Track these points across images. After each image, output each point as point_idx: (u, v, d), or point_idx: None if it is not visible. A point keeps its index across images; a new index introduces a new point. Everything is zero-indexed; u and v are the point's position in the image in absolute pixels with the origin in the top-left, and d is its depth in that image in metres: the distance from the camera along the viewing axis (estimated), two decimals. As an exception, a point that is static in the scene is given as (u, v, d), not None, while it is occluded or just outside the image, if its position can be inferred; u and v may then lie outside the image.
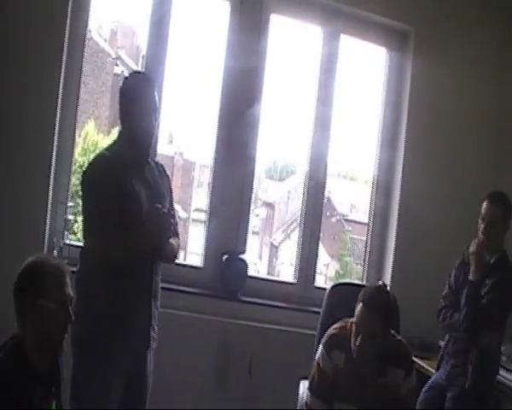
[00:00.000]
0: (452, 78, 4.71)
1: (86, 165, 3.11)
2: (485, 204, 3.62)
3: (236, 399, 4.17)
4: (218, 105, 4.49)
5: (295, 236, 4.87)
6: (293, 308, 4.42)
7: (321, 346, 3.15)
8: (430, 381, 3.73)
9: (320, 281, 5.15)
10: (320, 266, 5.51)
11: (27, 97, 3.99)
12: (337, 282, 3.80)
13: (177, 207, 6.38)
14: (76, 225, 4.37)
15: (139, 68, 4.42)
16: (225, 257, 4.34)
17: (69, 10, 4.08)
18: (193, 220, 7.01)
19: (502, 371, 3.83)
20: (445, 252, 4.13)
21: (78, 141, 5.39)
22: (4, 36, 3.94)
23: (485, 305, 3.46)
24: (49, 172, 4.06)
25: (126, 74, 3.28)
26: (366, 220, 4.92)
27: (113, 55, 7.38)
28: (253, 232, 6.52)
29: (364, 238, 4.91)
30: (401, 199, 4.66)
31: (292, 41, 4.87)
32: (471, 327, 3.47)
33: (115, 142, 3.14)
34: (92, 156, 3.18)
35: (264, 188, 7.29)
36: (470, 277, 3.56)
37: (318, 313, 3.79)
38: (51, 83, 4.06)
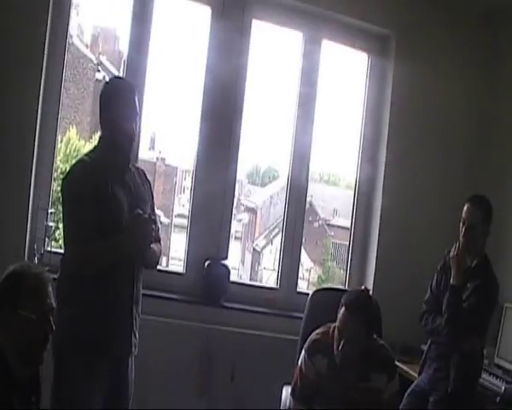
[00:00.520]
0: (434, 81, 4.73)
1: (66, 171, 3.09)
2: (466, 207, 3.63)
3: (219, 405, 4.17)
4: (200, 110, 4.48)
5: (278, 241, 4.87)
6: (275, 314, 4.41)
7: (303, 351, 3.15)
8: (413, 385, 3.72)
9: (303, 286, 5.16)
10: (302, 271, 5.52)
11: (7, 102, 3.95)
12: (319, 287, 3.80)
13: (159, 213, 6.36)
14: (58, 232, 4.33)
15: (121, 74, 4.39)
16: (207, 263, 4.33)
17: (49, 15, 4.05)
18: (175, 226, 6.99)
19: (484, 375, 3.85)
20: (427, 256, 4.14)
21: (60, 147, 5.36)
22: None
23: (466, 309, 3.47)
24: (30, 178, 4.02)
25: (107, 80, 3.27)
26: (348, 225, 4.92)
27: (95, 61, 7.35)
28: (236, 238, 6.51)
29: (347, 243, 4.91)
30: (383, 203, 4.67)
31: (273, 46, 4.87)
32: (453, 331, 3.47)
33: (95, 147, 3.12)
34: (72, 163, 3.16)
35: (246, 193, 7.28)
36: (451, 281, 3.56)
37: (301, 318, 3.79)
38: (32, 88, 4.02)
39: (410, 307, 3.89)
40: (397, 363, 3.89)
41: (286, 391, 3.47)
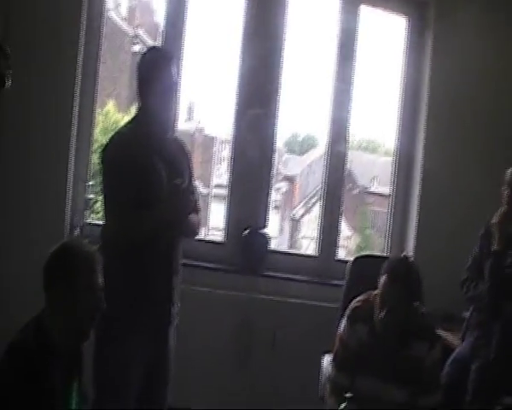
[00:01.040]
0: (476, 46, 4.60)
1: (105, 144, 3.11)
2: (509, 172, 3.56)
3: (259, 374, 4.19)
4: (237, 80, 4.45)
5: (316, 209, 4.85)
6: (315, 282, 4.41)
7: (344, 319, 3.13)
8: (454, 353, 3.70)
9: (342, 254, 5.14)
10: (341, 240, 5.50)
11: (45, 77, 3.99)
12: (359, 254, 3.77)
13: (197, 183, 6.38)
14: (97, 204, 4.38)
15: (158, 45, 4.39)
16: (246, 232, 4.33)
17: (86, -10, 4.07)
18: (214, 196, 7.02)
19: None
20: (468, 222, 4.09)
21: (99, 120, 5.40)
22: (21, 17, 3.93)
23: (508, 275, 3.42)
24: (69, 151, 4.07)
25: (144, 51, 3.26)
26: (387, 192, 4.87)
27: (132, 34, 7.37)
28: (275, 207, 6.51)
29: (385, 210, 4.86)
30: (423, 169, 4.59)
31: (311, 12, 4.82)
32: (495, 298, 3.43)
33: (134, 119, 3.11)
34: (111, 135, 3.18)
35: (285, 162, 7.26)
36: (494, 247, 3.52)
37: (340, 286, 3.78)
38: (69, 63, 4.06)
39: (452, 274, 3.86)
40: (438, 331, 3.90)
41: (326, 359, 3.47)
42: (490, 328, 3.51)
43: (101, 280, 2.39)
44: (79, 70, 4.12)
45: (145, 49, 3.19)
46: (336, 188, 4.64)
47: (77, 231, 4.03)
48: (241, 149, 4.46)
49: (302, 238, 6.57)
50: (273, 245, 4.66)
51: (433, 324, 3.15)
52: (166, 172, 3.02)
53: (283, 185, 7.43)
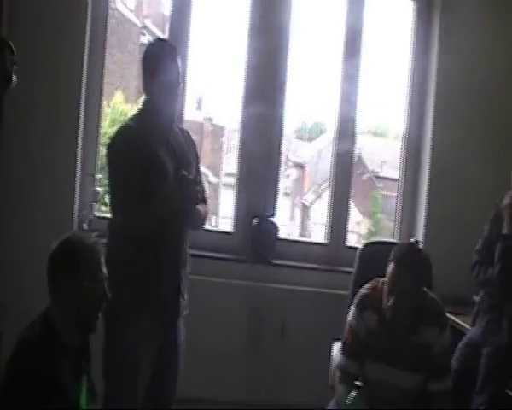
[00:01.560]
0: (485, 26, 4.56)
1: (110, 137, 3.12)
2: None
3: (269, 363, 4.20)
4: (244, 68, 4.45)
5: (327, 196, 4.82)
6: (324, 269, 4.40)
7: (353, 307, 3.12)
8: (465, 337, 3.69)
9: (352, 239, 5.12)
10: (352, 225, 5.48)
11: (52, 69, 4.01)
12: (368, 241, 3.76)
13: (207, 172, 6.38)
14: (106, 197, 4.39)
15: (165, 36, 4.39)
16: (255, 221, 4.33)
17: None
18: (224, 185, 7.01)
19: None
20: (478, 205, 4.06)
21: (107, 112, 5.41)
22: (26, 11, 3.92)
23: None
24: (77, 144, 4.08)
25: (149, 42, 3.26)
26: (397, 177, 4.85)
27: (139, 25, 7.34)
28: (285, 194, 6.50)
29: (396, 195, 4.85)
30: (432, 152, 4.56)
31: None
32: (505, 282, 3.41)
33: (139, 111, 3.13)
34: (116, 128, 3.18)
35: (294, 149, 7.24)
36: (504, 230, 3.49)
37: (351, 272, 3.77)
38: (75, 55, 4.06)
39: (462, 257, 3.84)
40: (449, 315, 3.86)
41: (336, 347, 3.47)
42: (501, 312, 3.49)
43: (104, 271, 2.41)
44: (85, 62, 4.12)
45: (150, 41, 3.19)
46: (345, 174, 4.62)
47: (85, 225, 4.04)
48: (248, 137, 4.46)
49: (314, 224, 6.55)
50: (284, 232, 4.66)
51: (442, 309, 3.12)
52: (173, 164, 3.02)
53: (293, 172, 7.41)
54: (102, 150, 4.28)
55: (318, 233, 5.58)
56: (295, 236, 5.22)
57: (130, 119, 3.12)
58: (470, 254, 3.73)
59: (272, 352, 4.21)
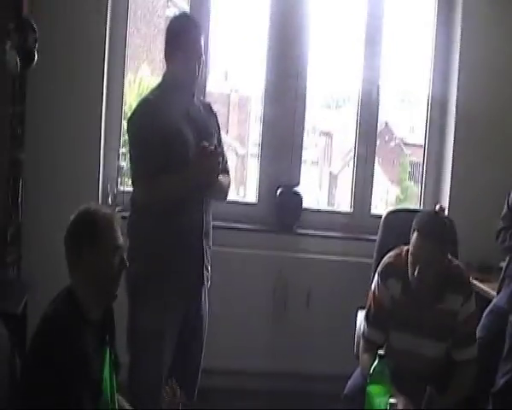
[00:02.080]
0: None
1: (131, 111, 3.13)
2: None
3: (294, 332, 4.21)
4: (268, 36, 4.45)
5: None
6: (349, 238, 4.39)
7: (376, 275, 3.11)
8: (491, 304, 3.65)
9: (381, 207, 5.08)
10: (380, 192, 5.45)
11: (74, 46, 4.03)
12: (392, 208, 3.72)
13: (235, 143, 6.37)
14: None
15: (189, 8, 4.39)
16: (279, 191, 4.33)
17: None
18: (251, 156, 6.97)
19: None
20: (504, 170, 4.01)
21: (133, 87, 5.41)
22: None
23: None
24: (100, 119, 4.11)
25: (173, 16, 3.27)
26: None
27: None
28: (313, 162, 6.46)
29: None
30: (457, 117, 4.48)
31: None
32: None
33: (160, 84, 3.14)
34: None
35: (321, 117, 7.15)
36: (529, 195, 3.45)
37: (375, 241, 3.75)
38: (97, 30, 4.08)
39: (488, 224, 3.79)
40: (474, 282, 3.85)
41: (360, 316, 3.47)
42: (527, 277, 3.45)
43: (121, 240, 2.41)
44: (107, 37, 4.14)
45: (174, 15, 3.20)
46: (369, 141, 4.59)
47: (110, 199, 4.08)
48: (272, 107, 4.45)
49: (341, 193, 6.51)
50: (312, 201, 4.66)
51: (467, 276, 3.10)
52: (194, 135, 3.03)
53: (321, 141, 7.34)
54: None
55: (346, 202, 5.53)
56: (323, 205, 5.16)
57: (151, 92, 3.13)
58: (496, 220, 3.68)
59: (298, 321, 4.22)
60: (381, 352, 2.66)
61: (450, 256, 3.03)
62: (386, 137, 6.43)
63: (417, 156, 6.12)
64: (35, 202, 3.87)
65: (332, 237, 4.38)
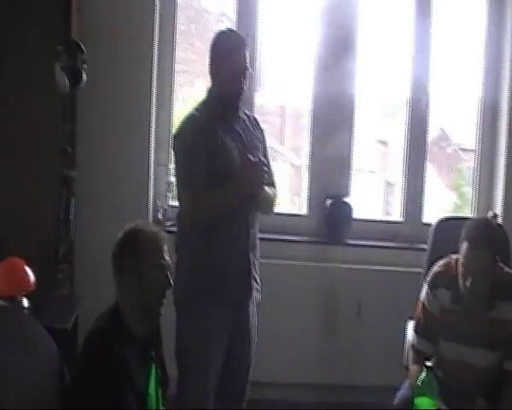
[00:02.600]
0: None
1: (177, 128, 3.16)
2: None
3: (346, 343, 4.18)
4: (316, 50, 4.45)
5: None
6: (401, 247, 4.32)
7: (425, 285, 3.06)
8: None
9: (439, 214, 4.99)
10: (438, 200, 5.35)
11: (122, 62, 4.09)
12: (443, 217, 3.65)
13: (290, 154, 6.36)
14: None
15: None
16: (329, 202, 4.30)
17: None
18: (307, 167, 6.94)
19: None
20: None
21: (188, 101, 5.48)
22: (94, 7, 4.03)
23: None
24: (149, 135, 4.17)
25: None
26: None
27: (217, 13, 7.37)
28: (369, 171, 6.40)
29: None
30: (510, 120, 4.38)
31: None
32: None
33: (205, 100, 3.15)
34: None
35: (376, 126, 7.09)
36: None
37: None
38: (145, 46, 4.14)
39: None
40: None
41: (410, 326, 3.40)
42: None
43: (167, 258, 2.45)
44: (156, 54, 4.20)
45: (219, 31, 3.21)
46: (420, 149, 4.54)
47: (160, 214, 4.13)
48: (320, 117, 4.45)
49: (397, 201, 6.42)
50: (367, 211, 4.64)
51: (519, 283, 3.02)
52: (239, 150, 3.04)
53: (377, 149, 7.27)
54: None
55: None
56: (379, 214, 5.10)
57: (196, 108, 3.14)
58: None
59: (349, 332, 4.18)
60: (428, 363, 2.61)
61: (501, 264, 2.96)
62: (443, 144, 6.34)
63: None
64: (86, 220, 3.95)
65: (382, 247, 4.33)
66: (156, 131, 4.23)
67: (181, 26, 4.49)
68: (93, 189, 4.05)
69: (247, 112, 3.28)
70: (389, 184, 6.67)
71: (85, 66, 3.72)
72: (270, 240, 4.05)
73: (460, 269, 2.87)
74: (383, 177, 6.88)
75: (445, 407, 2.70)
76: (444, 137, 6.48)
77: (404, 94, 4.60)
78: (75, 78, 3.64)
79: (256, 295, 3.17)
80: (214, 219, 2.95)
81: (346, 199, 4.34)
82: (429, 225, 3.87)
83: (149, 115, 4.17)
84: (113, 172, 4.09)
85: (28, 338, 2.33)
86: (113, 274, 2.42)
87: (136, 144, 4.13)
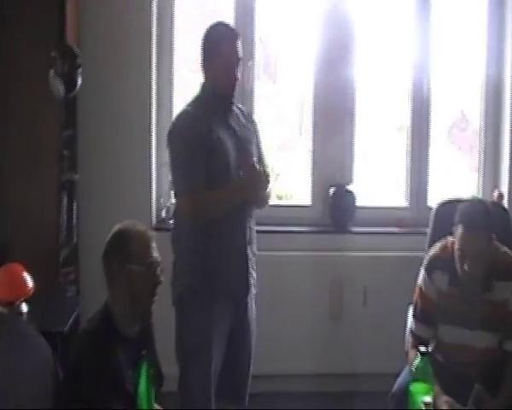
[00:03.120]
0: None
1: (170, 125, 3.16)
2: None
3: (353, 331, 4.16)
4: (316, 41, 4.45)
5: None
6: (405, 232, 4.29)
7: (422, 269, 3.04)
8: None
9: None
10: (460, 180, 5.27)
11: (123, 63, 4.12)
12: (444, 200, 3.59)
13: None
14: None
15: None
16: (332, 190, 4.29)
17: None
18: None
19: None
20: None
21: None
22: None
23: None
24: (150, 135, 4.19)
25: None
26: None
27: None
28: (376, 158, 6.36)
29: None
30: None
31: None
32: None
33: (198, 96, 3.13)
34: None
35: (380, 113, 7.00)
36: None
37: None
38: (144, 46, 4.16)
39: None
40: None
41: (411, 311, 3.38)
42: None
43: (156, 255, 2.46)
44: (154, 52, 4.21)
45: (210, 25, 3.19)
46: (421, 132, 4.51)
47: (163, 213, 4.16)
48: (321, 107, 4.43)
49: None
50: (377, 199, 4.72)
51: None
52: (233, 143, 3.04)
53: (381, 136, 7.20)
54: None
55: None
56: (387, 201, 5.04)
57: (189, 104, 3.13)
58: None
59: (355, 320, 4.17)
60: (423, 349, 2.60)
61: (496, 243, 2.91)
62: (463, 125, 6.29)
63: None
64: (90, 222, 3.98)
65: (387, 233, 4.31)
66: (157, 131, 4.24)
67: (182, 24, 4.48)
68: (96, 191, 4.08)
69: (240, 106, 3.27)
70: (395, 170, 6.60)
71: (80, 70, 3.74)
72: (274, 232, 4.09)
73: (456, 254, 2.84)
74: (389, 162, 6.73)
75: (438, 390, 2.68)
76: (463, 119, 6.42)
77: (407, 80, 4.56)
78: (70, 83, 3.66)
79: (252, 289, 3.15)
80: (213, 219, 2.95)
81: (350, 187, 4.32)
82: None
83: (149, 115, 4.19)
84: (115, 174, 4.11)
85: (23, 344, 2.36)
86: (104, 274, 2.45)
87: (137, 145, 4.15)
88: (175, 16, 4.38)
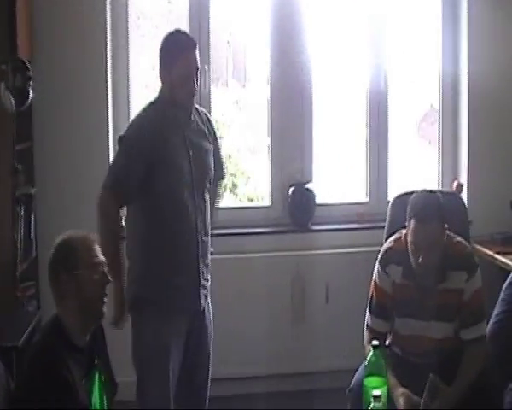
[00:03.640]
0: None
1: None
2: None
3: (316, 329, 4.16)
4: (269, 34, 4.46)
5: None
6: (366, 227, 4.29)
7: (377, 263, 3.04)
8: (510, 277, 3.48)
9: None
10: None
11: (76, 78, 4.10)
12: (399, 193, 3.60)
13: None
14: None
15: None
16: (292, 189, 4.28)
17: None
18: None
19: None
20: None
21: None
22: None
23: None
24: (108, 144, 4.17)
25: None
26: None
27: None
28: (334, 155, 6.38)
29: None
30: (470, 94, 4.38)
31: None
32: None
33: (156, 100, 3.09)
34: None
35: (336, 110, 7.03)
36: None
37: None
38: (98, 59, 4.14)
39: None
40: (496, 256, 3.72)
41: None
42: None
43: (100, 256, 2.47)
44: (109, 62, 4.20)
45: (168, 33, 3.15)
46: (380, 128, 4.53)
47: (124, 221, 4.12)
48: (278, 107, 4.43)
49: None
50: (339, 195, 4.70)
51: (469, 251, 2.98)
52: (187, 153, 3.01)
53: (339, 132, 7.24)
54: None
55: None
56: (347, 197, 5.05)
57: (145, 110, 3.08)
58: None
59: (318, 318, 4.17)
60: (375, 343, 2.61)
61: (449, 232, 2.92)
62: (432, 119, 6.34)
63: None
64: (50, 236, 3.93)
65: (346, 230, 4.32)
66: (114, 139, 4.18)
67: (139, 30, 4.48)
68: (55, 204, 4.04)
69: (198, 108, 3.24)
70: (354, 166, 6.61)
71: (31, 83, 3.72)
72: (234, 234, 4.08)
73: (410, 247, 2.84)
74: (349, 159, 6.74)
75: (394, 382, 2.70)
76: (433, 113, 6.48)
77: (365, 77, 4.58)
78: (21, 96, 3.65)
79: (204, 302, 3.11)
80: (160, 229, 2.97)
81: (309, 185, 4.31)
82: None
83: (107, 124, 4.17)
84: (74, 185, 4.08)
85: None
86: (51, 285, 2.44)
87: (95, 155, 4.10)
88: (129, 25, 4.36)
